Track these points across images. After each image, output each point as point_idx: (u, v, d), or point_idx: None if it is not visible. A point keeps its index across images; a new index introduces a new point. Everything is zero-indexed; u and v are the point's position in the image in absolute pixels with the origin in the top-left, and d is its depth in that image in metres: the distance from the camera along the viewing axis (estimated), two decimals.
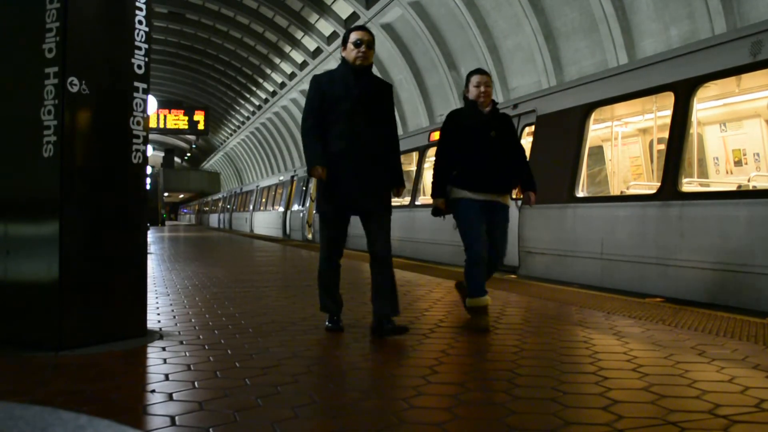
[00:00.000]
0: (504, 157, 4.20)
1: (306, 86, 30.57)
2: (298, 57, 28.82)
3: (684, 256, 5.92)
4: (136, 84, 3.62)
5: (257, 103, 38.92)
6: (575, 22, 14.66)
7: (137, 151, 3.62)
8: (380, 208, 3.82)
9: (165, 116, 28.20)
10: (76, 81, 3.32)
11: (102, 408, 2.31)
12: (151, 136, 42.21)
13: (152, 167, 34.29)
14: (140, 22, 3.64)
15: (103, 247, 3.52)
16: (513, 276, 8.11)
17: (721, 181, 7.71)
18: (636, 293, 6.24)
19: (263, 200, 27.72)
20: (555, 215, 7.52)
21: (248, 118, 42.66)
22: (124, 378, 2.83)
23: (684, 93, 6.09)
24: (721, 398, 2.46)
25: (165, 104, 30.11)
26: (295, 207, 20.87)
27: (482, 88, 4.24)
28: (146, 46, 3.68)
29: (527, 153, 7.85)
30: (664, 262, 6.11)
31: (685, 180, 6.27)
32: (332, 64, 25.70)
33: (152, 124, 26.44)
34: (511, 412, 2.29)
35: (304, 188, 19.99)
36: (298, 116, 33.69)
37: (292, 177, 22.32)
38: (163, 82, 40.12)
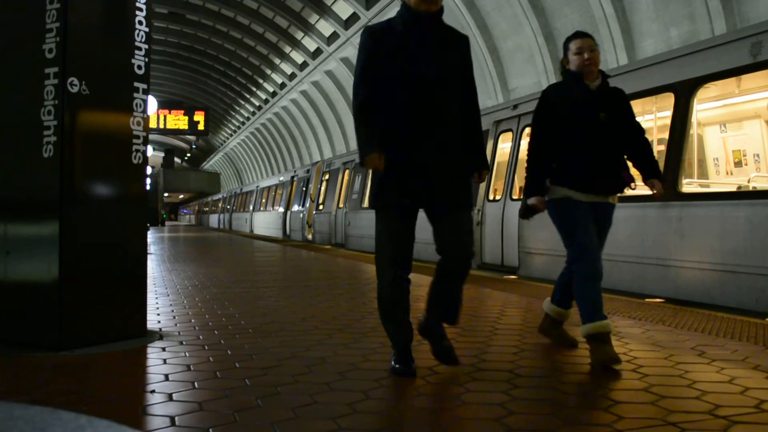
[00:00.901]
0: (616, 147, 3.30)
1: (306, 87, 30.49)
2: (299, 57, 28.82)
3: (684, 257, 5.93)
4: (136, 84, 3.62)
5: (257, 103, 38.93)
6: (575, 23, 14.66)
7: (137, 151, 3.62)
8: (457, 199, 2.88)
9: (165, 116, 28.19)
10: (76, 81, 3.32)
11: (102, 408, 2.31)
12: (151, 137, 42.23)
13: (152, 167, 34.29)
14: (140, 23, 3.64)
15: (103, 247, 3.52)
16: (513, 276, 8.12)
17: (722, 182, 7.71)
18: (637, 294, 6.23)
19: (263, 201, 27.79)
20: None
21: (248, 119, 42.67)
22: (123, 378, 2.83)
23: (684, 94, 6.13)
24: (721, 399, 2.46)
25: (165, 104, 30.09)
26: (295, 207, 20.87)
27: (586, 55, 3.25)
28: (146, 46, 3.68)
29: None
30: (664, 262, 6.13)
31: (684, 180, 6.28)
32: (332, 64, 25.75)
33: (152, 124, 26.42)
34: (511, 412, 2.29)
35: (304, 189, 20.02)
36: (299, 116, 33.76)
37: (292, 177, 22.34)
38: (163, 83, 40.13)
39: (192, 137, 49.48)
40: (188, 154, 66.12)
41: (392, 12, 19.80)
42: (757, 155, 7.43)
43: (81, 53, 3.38)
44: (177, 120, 28.49)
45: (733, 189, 6.82)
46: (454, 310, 3.00)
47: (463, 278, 2.93)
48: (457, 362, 2.90)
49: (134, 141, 3.60)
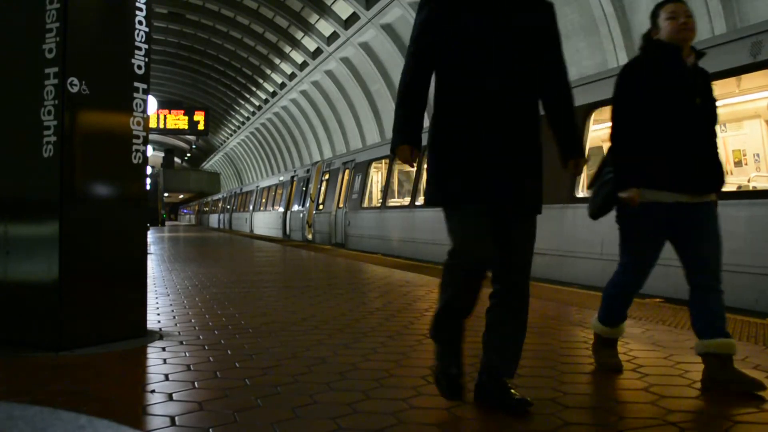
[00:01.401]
0: (711, 138, 2.81)
1: (306, 87, 30.52)
2: (298, 57, 28.82)
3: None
4: (136, 84, 3.62)
5: (257, 103, 38.93)
6: (575, 23, 14.66)
7: (137, 151, 3.62)
8: (529, 203, 2.37)
9: (165, 116, 28.21)
10: (76, 81, 3.32)
11: (102, 408, 2.30)
12: (151, 137, 42.18)
13: (152, 167, 34.28)
14: (140, 23, 3.64)
15: (103, 247, 3.52)
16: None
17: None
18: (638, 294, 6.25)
19: (263, 200, 27.83)
20: (555, 216, 7.46)
21: (248, 119, 42.67)
22: (123, 378, 2.83)
23: None
24: (722, 399, 2.46)
25: (165, 104, 30.11)
26: (295, 207, 20.89)
27: (682, 20, 2.74)
28: (146, 46, 3.68)
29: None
30: (665, 262, 6.11)
31: None
32: (333, 64, 25.75)
33: (152, 124, 26.43)
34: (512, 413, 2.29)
35: (304, 188, 20.02)
36: (299, 116, 33.75)
37: (292, 177, 22.37)
38: (163, 83, 40.13)
39: (192, 137, 49.49)
40: (188, 154, 66.13)
41: (393, 12, 19.86)
42: (757, 155, 7.43)
43: (81, 53, 3.38)
44: (177, 120, 28.51)
45: (734, 188, 6.83)
46: (515, 349, 2.46)
47: (526, 299, 2.46)
48: (518, 406, 2.31)
49: (134, 141, 3.60)
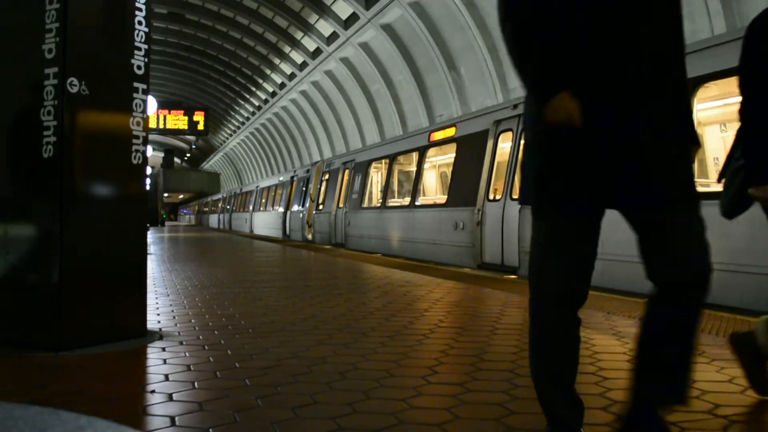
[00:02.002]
0: None
1: (306, 87, 30.62)
2: (298, 58, 28.82)
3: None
4: (135, 84, 3.63)
5: (257, 103, 38.93)
6: None
7: (137, 151, 3.62)
8: (684, 193, 1.80)
9: (165, 117, 28.23)
10: (75, 81, 3.32)
11: (102, 408, 2.31)
12: (151, 137, 42.21)
13: (152, 168, 34.28)
14: (140, 23, 3.64)
15: (102, 247, 3.52)
16: (513, 276, 8.14)
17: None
18: (633, 293, 6.27)
19: (263, 201, 27.90)
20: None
21: (248, 119, 42.67)
22: (123, 378, 2.83)
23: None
24: (721, 398, 2.46)
25: (165, 105, 30.11)
26: (295, 207, 20.92)
27: None
28: (146, 46, 3.68)
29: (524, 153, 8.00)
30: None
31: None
32: (332, 64, 25.75)
33: (152, 124, 26.45)
34: (511, 412, 2.29)
35: (303, 189, 20.05)
36: (299, 116, 33.76)
37: (292, 177, 22.42)
38: (162, 83, 40.12)
39: (192, 137, 49.45)
40: (188, 154, 66.10)
41: (393, 12, 19.87)
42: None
43: (81, 53, 3.38)
44: (177, 120, 28.54)
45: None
46: (682, 377, 1.81)
47: (699, 307, 1.79)
48: None
49: (134, 141, 3.60)
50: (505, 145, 9.38)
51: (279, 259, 11.19)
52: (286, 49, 28.93)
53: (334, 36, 24.19)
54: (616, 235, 7.46)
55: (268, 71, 33.14)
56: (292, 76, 30.87)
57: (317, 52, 26.50)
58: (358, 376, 2.81)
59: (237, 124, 46.33)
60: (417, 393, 2.54)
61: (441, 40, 19.22)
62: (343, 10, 22.41)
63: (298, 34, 26.97)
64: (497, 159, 9.42)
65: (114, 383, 2.72)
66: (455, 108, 19.49)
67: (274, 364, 3.01)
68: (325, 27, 24.42)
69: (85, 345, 3.32)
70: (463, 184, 9.94)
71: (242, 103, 41.17)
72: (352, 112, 27.40)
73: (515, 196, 8.57)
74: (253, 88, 37.12)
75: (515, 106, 9.05)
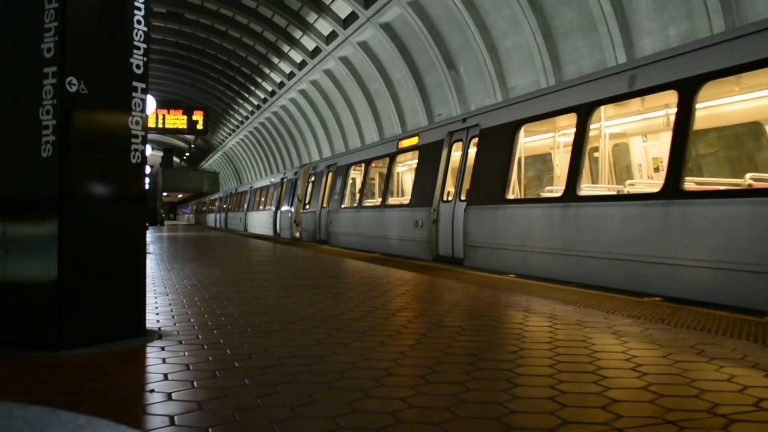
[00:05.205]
0: None
1: (305, 86, 30.90)
2: (297, 57, 28.81)
3: (583, 247, 7.00)
4: (134, 84, 3.62)
5: (256, 102, 38.91)
6: (574, 22, 14.66)
7: (136, 150, 3.61)
8: None
9: (164, 116, 28.24)
10: (74, 81, 3.32)
11: (101, 408, 2.31)
12: (150, 136, 42.21)
13: (151, 167, 34.27)
14: (139, 22, 3.64)
15: (101, 247, 3.51)
16: (459, 267, 9.04)
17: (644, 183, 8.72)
18: (548, 279, 7.36)
19: (256, 201, 28.60)
20: (490, 215, 8.73)
21: (247, 118, 42.65)
22: (122, 378, 2.83)
23: (584, 113, 7.27)
24: (720, 397, 2.46)
25: (164, 104, 30.12)
26: (285, 207, 21.79)
27: None
28: (145, 45, 3.67)
29: (473, 162, 9.42)
30: (569, 252, 7.23)
31: (584, 185, 7.56)
32: (331, 63, 25.75)
33: (151, 123, 26.47)
34: (511, 412, 2.29)
35: (292, 189, 20.91)
36: (298, 116, 33.77)
37: (282, 179, 23.23)
38: (161, 82, 40.10)
39: (191, 136, 49.48)
40: (187, 154, 66.10)
41: (392, 11, 19.86)
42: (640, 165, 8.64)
43: (79, 52, 3.37)
44: (176, 119, 28.55)
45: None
46: None
47: None
48: None
49: (133, 140, 3.60)
50: (457, 153, 10.39)
51: (272, 256, 11.20)
52: (285, 48, 28.92)
53: (333, 35, 24.18)
54: (532, 232, 8.62)
55: (267, 70, 33.13)
56: (291, 75, 30.85)
57: (316, 51, 26.49)
58: (358, 375, 2.81)
59: (236, 123, 46.30)
60: (416, 392, 2.54)
61: (440, 39, 19.22)
62: (342, 9, 22.40)
63: (297, 33, 26.96)
64: (450, 165, 10.49)
65: (113, 383, 2.72)
66: (454, 107, 19.50)
67: (273, 364, 3.01)
68: (324, 26, 24.41)
69: (84, 344, 3.32)
70: (423, 187, 11.04)
71: (241, 102, 41.15)
72: (351, 111, 27.40)
73: (462, 198, 9.61)
74: (252, 87, 37.10)
75: (464, 120, 10.19)
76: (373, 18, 20.58)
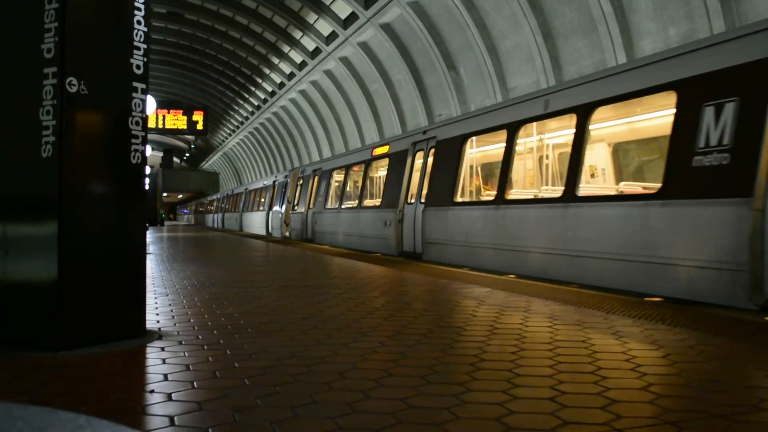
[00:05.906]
0: None
1: (305, 86, 30.96)
2: (297, 57, 28.81)
3: (510, 242, 8.15)
4: (134, 84, 3.62)
5: (256, 103, 38.91)
6: (574, 22, 14.67)
7: (136, 151, 3.61)
8: None
9: (164, 116, 28.26)
10: (74, 81, 3.32)
11: (101, 408, 2.31)
12: (150, 136, 42.21)
13: (151, 167, 34.30)
14: (139, 22, 3.64)
15: (101, 247, 3.51)
16: (419, 261, 10.28)
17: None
18: (489, 270, 8.39)
19: (250, 202, 29.51)
20: (442, 215, 10.03)
21: (247, 118, 42.65)
22: (122, 378, 2.83)
23: (513, 129, 8.55)
24: (720, 397, 2.46)
25: (164, 104, 30.13)
26: (276, 208, 22.79)
27: None
28: (145, 46, 3.67)
29: (431, 169, 10.65)
30: (499, 246, 8.39)
31: (513, 191, 8.87)
32: (331, 64, 25.75)
33: (151, 124, 26.49)
34: (511, 412, 2.29)
35: (283, 191, 21.84)
36: (298, 116, 33.79)
37: (274, 182, 23.99)
38: (161, 82, 40.10)
39: (191, 137, 49.48)
40: (187, 154, 66.09)
41: (392, 11, 19.86)
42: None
43: (79, 53, 3.38)
44: (176, 120, 28.57)
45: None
46: None
47: None
48: None
49: (133, 141, 3.60)
50: (419, 161, 11.70)
51: (265, 255, 11.23)
52: (285, 48, 28.93)
53: (333, 35, 24.19)
54: (473, 230, 9.22)
55: (267, 71, 33.14)
56: (291, 76, 30.85)
57: (316, 51, 26.50)
58: (358, 375, 2.81)
59: (236, 123, 46.30)
60: (416, 393, 2.54)
61: (440, 39, 19.23)
62: (342, 10, 22.40)
63: (297, 34, 26.97)
64: (414, 172, 11.84)
65: (113, 383, 2.72)
66: (454, 107, 19.51)
67: (273, 364, 3.01)
68: (324, 26, 24.42)
69: (84, 345, 3.32)
70: (391, 191, 12.41)
71: (241, 102, 41.15)
72: (351, 111, 27.40)
73: (423, 201, 10.87)
74: (252, 88, 37.10)
75: (425, 132, 11.51)
76: (373, 18, 20.58)
